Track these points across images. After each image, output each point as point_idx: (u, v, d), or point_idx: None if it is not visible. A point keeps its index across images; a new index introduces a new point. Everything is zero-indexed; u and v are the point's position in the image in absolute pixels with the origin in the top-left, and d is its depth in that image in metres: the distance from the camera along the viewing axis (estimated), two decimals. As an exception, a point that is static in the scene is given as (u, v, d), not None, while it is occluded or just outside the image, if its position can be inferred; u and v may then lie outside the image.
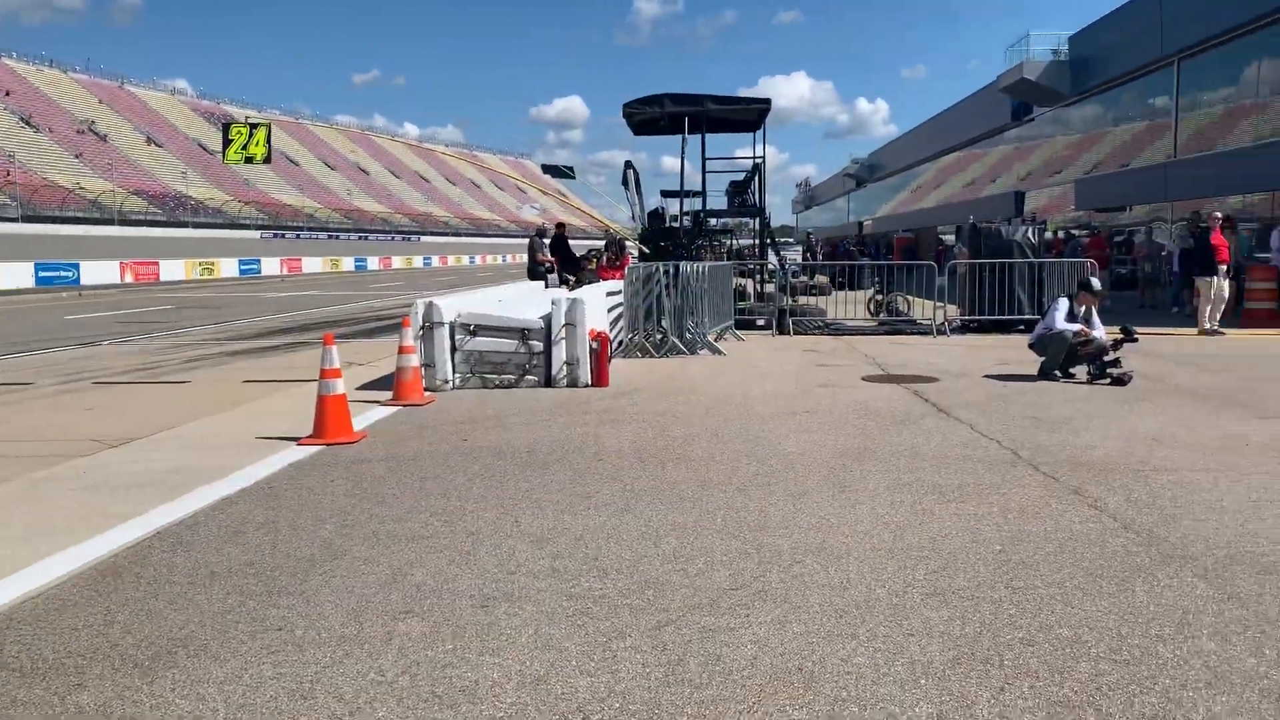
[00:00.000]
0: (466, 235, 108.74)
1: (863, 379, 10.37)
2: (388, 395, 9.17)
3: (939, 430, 7.41)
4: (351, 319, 22.56)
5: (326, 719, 2.99)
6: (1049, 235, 29.11)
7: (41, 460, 6.80)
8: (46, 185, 59.35)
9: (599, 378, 9.96)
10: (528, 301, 11.76)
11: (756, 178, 18.81)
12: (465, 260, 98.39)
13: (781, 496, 5.46)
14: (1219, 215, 16.21)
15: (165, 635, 3.61)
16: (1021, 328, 14.69)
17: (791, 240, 62.94)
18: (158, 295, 36.41)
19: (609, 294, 12.93)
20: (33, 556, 4.52)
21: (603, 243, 20.46)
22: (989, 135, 47.46)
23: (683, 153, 17.98)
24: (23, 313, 27.01)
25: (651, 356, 12.46)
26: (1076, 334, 10.04)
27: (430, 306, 9.84)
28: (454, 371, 9.90)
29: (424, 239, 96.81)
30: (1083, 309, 10.29)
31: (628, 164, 18.95)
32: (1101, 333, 10.11)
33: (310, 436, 7.19)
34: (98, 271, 48.26)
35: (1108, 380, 9.78)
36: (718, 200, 19.30)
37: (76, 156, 69.84)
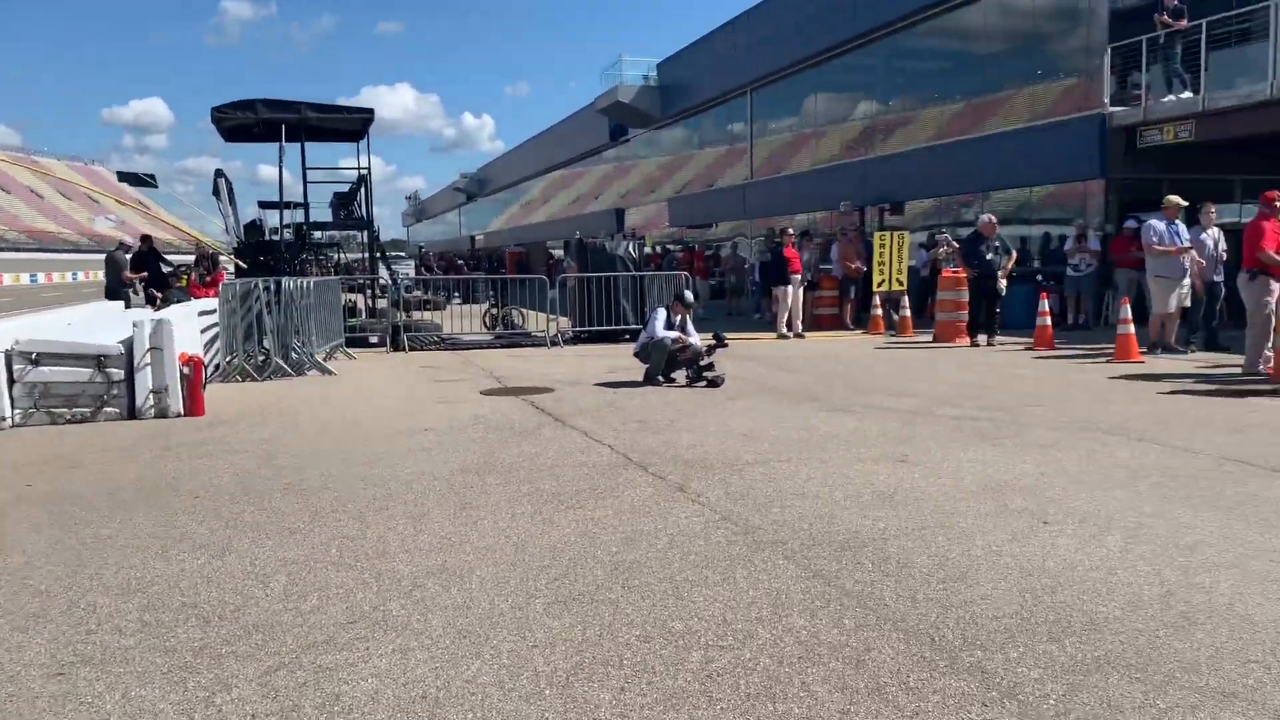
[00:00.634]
0: (26, 250, 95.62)
1: (481, 393, 10.39)
2: (-74, 439, 7.77)
3: (556, 439, 7.58)
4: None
5: None
6: (648, 250, 31.09)
7: None
8: None
9: (193, 406, 9.12)
10: (104, 324, 10.53)
11: (363, 189, 18.29)
12: (25, 279, 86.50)
13: (401, 520, 5.28)
14: (791, 231, 18.19)
15: None
16: (627, 337, 15.51)
17: (404, 254, 62.00)
18: None
19: (202, 313, 11.91)
20: None
21: (193, 258, 18.86)
22: (591, 154, 49.78)
23: (280, 162, 17.05)
24: None
25: (254, 380, 11.62)
26: (675, 341, 10.75)
27: (-24, 333, 8.47)
28: (12, 407, 8.60)
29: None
30: (679, 318, 11.05)
31: (218, 172, 17.63)
32: (697, 339, 10.91)
33: None
34: None
35: (704, 383, 10.57)
36: (322, 212, 18.55)
37: None
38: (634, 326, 15.42)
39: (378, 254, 18.96)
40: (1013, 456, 6.63)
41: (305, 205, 17.59)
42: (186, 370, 9.11)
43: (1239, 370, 10.85)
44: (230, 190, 17.55)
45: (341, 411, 9.21)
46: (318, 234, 18.92)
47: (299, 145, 17.09)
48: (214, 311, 12.30)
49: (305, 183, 17.31)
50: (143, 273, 16.68)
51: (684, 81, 37.17)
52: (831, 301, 18.96)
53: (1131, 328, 12.34)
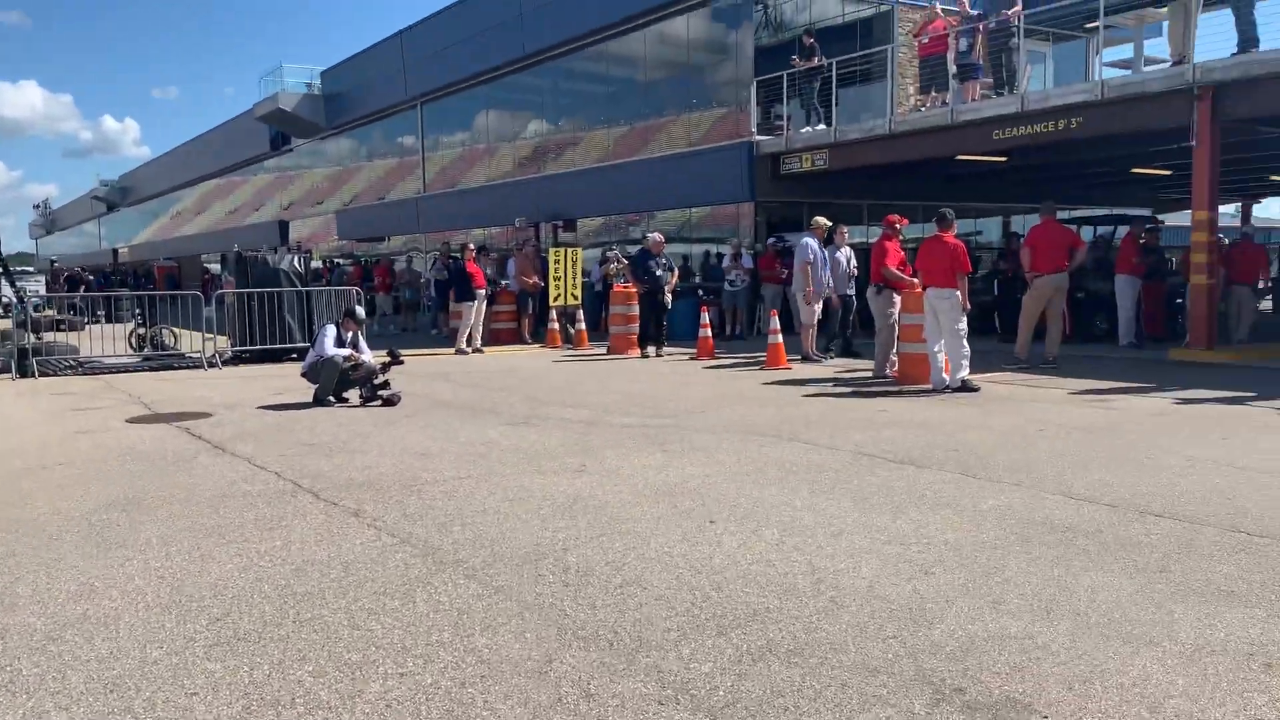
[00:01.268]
0: None
1: (128, 421, 9.44)
2: None
3: (216, 468, 7.04)
4: None
5: None
6: (316, 264, 29.84)
7: None
8: None
9: None
10: None
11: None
12: None
13: (31, 566, 4.67)
14: (473, 246, 18.14)
15: None
16: (295, 356, 14.76)
17: (32, 269, 56.17)
18: None
19: None
20: None
21: None
22: (251, 162, 47.07)
23: None
24: None
25: None
26: (347, 359, 10.36)
27: None
28: None
29: None
30: (350, 334, 10.66)
31: None
32: (370, 356, 10.57)
33: None
34: None
35: (379, 402, 10.26)
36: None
37: None
38: (302, 345, 14.70)
39: (0, 269, 16.76)
40: (681, 460, 6.98)
41: None
42: None
43: (870, 374, 12.13)
44: None
45: (-48, 448, 8.02)
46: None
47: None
48: None
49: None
50: None
51: (350, 91, 36.10)
52: (510, 316, 19.13)
53: (780, 337, 13.44)
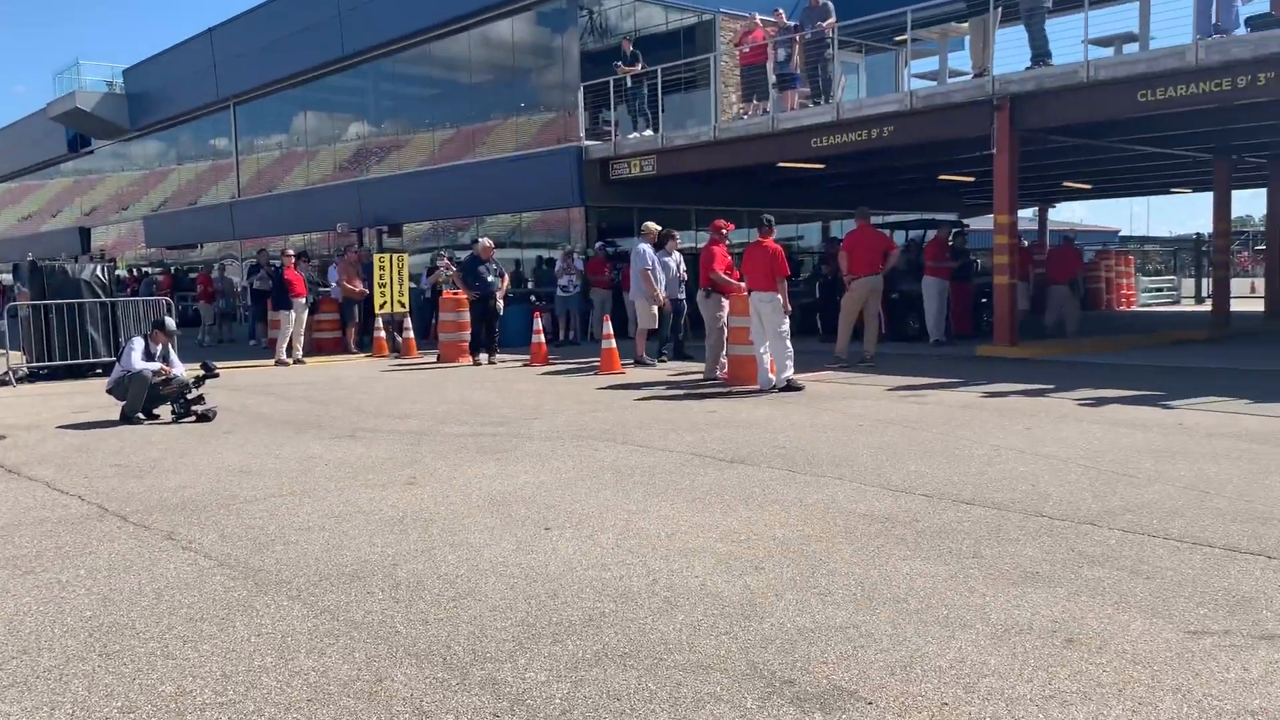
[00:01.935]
0: None
1: (-97, 446, 8.61)
2: None
3: (10, 493, 6.50)
4: None
5: None
6: (122, 273, 28.09)
7: None
8: None
9: None
10: None
11: None
12: None
13: None
14: (291, 253, 17.43)
15: None
16: (99, 371, 13.85)
17: None
18: None
19: None
20: None
21: None
22: (45, 166, 43.84)
23: None
24: None
25: None
26: (157, 373, 9.78)
27: None
28: None
29: None
30: (159, 347, 10.07)
31: None
32: (181, 370, 10.01)
33: None
34: None
35: (193, 418, 9.73)
36: None
37: None
38: (107, 360, 13.78)
39: None
40: (515, 468, 6.92)
41: None
42: None
43: (701, 377, 12.37)
44: None
45: None
46: None
47: None
48: None
49: None
50: None
51: (156, 91, 34.15)
52: (332, 325, 18.52)
53: (613, 342, 13.53)
